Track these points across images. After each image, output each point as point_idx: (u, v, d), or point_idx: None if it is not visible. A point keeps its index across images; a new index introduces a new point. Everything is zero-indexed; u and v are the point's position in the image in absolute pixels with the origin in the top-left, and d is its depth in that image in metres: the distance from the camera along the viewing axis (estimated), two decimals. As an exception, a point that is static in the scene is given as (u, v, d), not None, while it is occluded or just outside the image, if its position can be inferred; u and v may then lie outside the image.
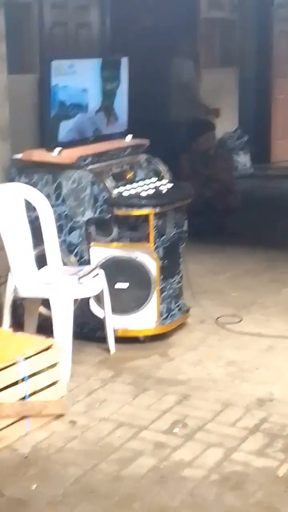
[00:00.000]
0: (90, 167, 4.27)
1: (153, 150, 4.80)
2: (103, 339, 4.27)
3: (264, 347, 4.39)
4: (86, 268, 4.12)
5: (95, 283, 4.07)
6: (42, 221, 3.88)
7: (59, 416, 3.53)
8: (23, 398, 3.39)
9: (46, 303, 4.09)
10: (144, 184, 4.47)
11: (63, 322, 3.86)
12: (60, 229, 4.23)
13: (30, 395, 3.42)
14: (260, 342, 4.46)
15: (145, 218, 4.23)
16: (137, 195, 4.29)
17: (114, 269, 4.27)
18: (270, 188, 8.85)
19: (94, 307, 4.31)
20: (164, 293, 4.42)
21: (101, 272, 4.13)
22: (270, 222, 7.15)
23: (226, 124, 9.00)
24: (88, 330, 4.35)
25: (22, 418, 3.38)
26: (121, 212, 4.19)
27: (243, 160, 9.31)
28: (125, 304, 4.32)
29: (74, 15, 6.61)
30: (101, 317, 4.25)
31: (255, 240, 6.42)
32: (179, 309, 4.57)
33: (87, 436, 3.41)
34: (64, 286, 3.91)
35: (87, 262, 4.26)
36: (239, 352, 4.32)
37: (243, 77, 9.51)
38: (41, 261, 4.13)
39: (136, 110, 4.91)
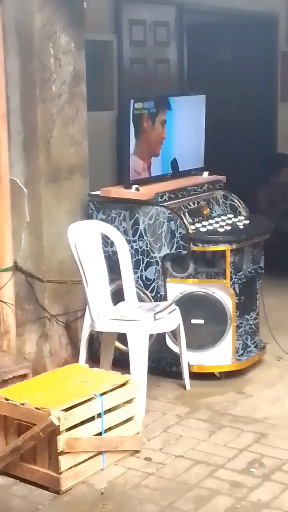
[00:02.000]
0: (167, 203, 4.31)
1: (230, 184, 4.80)
2: (179, 375, 4.26)
3: None
4: (162, 304, 4.14)
5: (171, 319, 4.08)
6: (119, 256, 3.93)
7: (135, 452, 3.53)
8: (99, 433, 3.40)
9: (121, 338, 4.12)
10: (221, 220, 4.47)
11: (139, 357, 3.87)
12: (137, 264, 4.27)
13: (106, 430, 3.43)
14: None
15: (222, 254, 4.22)
16: (214, 231, 4.29)
17: (190, 304, 4.28)
18: None
19: (170, 342, 4.31)
20: (241, 329, 4.39)
21: (177, 308, 4.14)
22: None
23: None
24: (164, 365, 4.35)
25: (99, 453, 3.39)
26: (197, 248, 4.20)
27: None
28: (201, 340, 4.31)
29: (152, 51, 6.72)
30: (177, 352, 4.25)
31: None
32: (255, 346, 4.53)
33: (163, 473, 3.39)
34: (140, 321, 3.93)
35: (163, 298, 4.27)
36: None
37: None
38: (116, 296, 4.17)
39: (214, 145, 4.93)
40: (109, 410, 3.44)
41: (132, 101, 4.25)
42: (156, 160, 4.51)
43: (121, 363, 4.03)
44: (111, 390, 3.47)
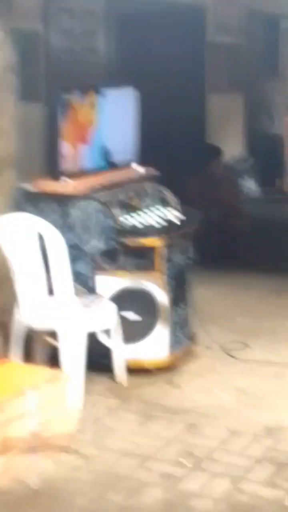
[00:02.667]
0: (97, 195, 4.30)
1: (160, 176, 4.82)
2: (109, 367, 4.27)
3: (272, 374, 4.38)
4: (97, 300, 4.12)
5: (105, 316, 4.07)
6: (50, 250, 3.90)
7: (66, 446, 3.52)
8: (32, 430, 3.39)
9: (54, 333, 4.10)
10: (151, 212, 4.49)
11: (74, 354, 3.86)
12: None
13: (38, 426, 3.42)
14: (268, 369, 4.45)
15: (152, 246, 4.24)
16: (144, 224, 4.31)
17: (122, 297, 4.28)
18: (277, 213, 8.84)
19: (101, 336, 4.31)
20: (171, 321, 4.43)
21: (112, 304, 4.14)
22: (278, 247, 7.14)
23: (233, 148, 9.02)
24: (95, 358, 4.34)
25: (30, 449, 3.38)
26: (128, 240, 4.21)
27: (250, 184, 9.32)
28: (133, 332, 4.31)
29: (80, 40, 6.67)
30: (109, 346, 4.25)
31: (262, 265, 6.41)
32: (185, 337, 4.57)
33: (94, 466, 3.41)
34: (74, 319, 3.91)
35: (93, 291, 4.27)
36: (247, 379, 4.32)
37: (249, 101, 9.54)
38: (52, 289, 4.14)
39: (144, 137, 4.94)
40: (42, 406, 3.43)
41: (60, 90, 4.21)
42: (86, 150, 4.48)
43: (55, 358, 4.00)
44: (43, 386, 3.46)
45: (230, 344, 4.76)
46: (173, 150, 7.54)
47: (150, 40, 8.05)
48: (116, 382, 4.23)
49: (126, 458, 3.47)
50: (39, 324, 3.98)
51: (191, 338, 4.65)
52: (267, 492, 3.20)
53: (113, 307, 4.13)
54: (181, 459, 3.45)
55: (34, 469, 3.36)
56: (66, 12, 6.47)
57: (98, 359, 4.33)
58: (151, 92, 7.00)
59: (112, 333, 4.18)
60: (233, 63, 8.92)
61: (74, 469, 3.38)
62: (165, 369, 4.39)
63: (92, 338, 4.28)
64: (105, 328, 4.15)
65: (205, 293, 5.49)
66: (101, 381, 4.24)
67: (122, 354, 4.24)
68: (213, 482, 3.28)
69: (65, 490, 3.23)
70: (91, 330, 4.07)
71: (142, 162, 4.84)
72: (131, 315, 4.30)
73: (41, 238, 4.04)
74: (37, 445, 3.40)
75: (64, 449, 3.51)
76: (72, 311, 3.94)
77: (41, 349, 4.15)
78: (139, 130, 4.86)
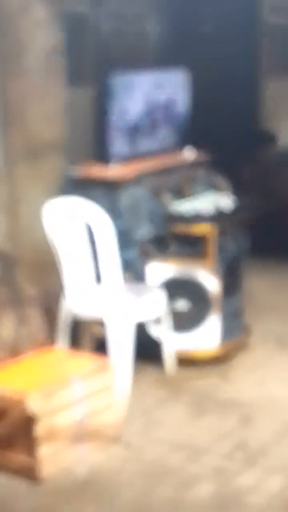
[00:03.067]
0: (146, 181, 4.19)
1: (213, 162, 4.71)
2: (161, 359, 4.17)
3: None
4: (147, 288, 4.02)
5: (155, 305, 3.97)
6: (99, 237, 3.82)
7: (116, 437, 3.44)
8: (79, 419, 3.31)
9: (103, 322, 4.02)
10: (203, 199, 4.37)
11: (121, 343, 3.78)
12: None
13: (86, 416, 3.34)
14: None
15: (205, 234, 4.12)
16: (196, 210, 4.19)
17: (173, 287, 4.18)
18: None
19: (152, 326, 4.22)
20: (225, 312, 4.30)
21: (162, 293, 4.04)
22: None
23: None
24: (145, 349, 4.26)
25: (78, 440, 3.30)
26: (179, 228, 4.10)
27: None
28: (184, 323, 4.21)
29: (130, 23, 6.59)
30: (159, 336, 4.15)
31: None
32: (240, 328, 4.44)
33: (144, 458, 3.32)
34: (123, 308, 3.82)
35: (142, 279, 4.17)
36: (303, 371, 4.18)
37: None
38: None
39: (197, 122, 4.84)
40: (89, 396, 3.35)
41: (109, 73, 4.13)
42: (136, 134, 4.38)
43: (102, 347, 3.92)
44: (90, 375, 3.38)
45: (285, 336, 4.60)
46: (226, 135, 7.37)
47: (202, 22, 7.91)
48: (166, 374, 4.13)
49: (177, 450, 3.38)
50: (86, 312, 3.90)
51: (245, 329, 4.51)
52: None
53: (163, 296, 4.02)
54: (236, 454, 3.33)
55: (81, 459, 3.29)
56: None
57: (147, 350, 4.25)
58: (204, 76, 6.88)
59: (162, 322, 4.07)
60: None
61: (122, 460, 3.31)
62: (218, 361, 4.28)
63: (141, 328, 4.20)
64: (154, 317, 4.04)
65: (260, 283, 5.37)
66: (151, 372, 4.15)
67: (172, 344, 4.14)
68: (267, 477, 3.17)
69: (113, 481, 3.16)
70: (139, 319, 3.97)
71: (194, 146, 4.71)
72: (182, 305, 4.19)
73: (89, 223, 3.96)
74: (85, 435, 3.32)
75: (113, 440, 3.43)
76: (120, 300, 3.85)
77: (88, 338, 4.07)
78: (191, 114, 4.74)
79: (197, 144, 4.71)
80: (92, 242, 3.95)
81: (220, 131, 7.32)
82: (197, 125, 4.89)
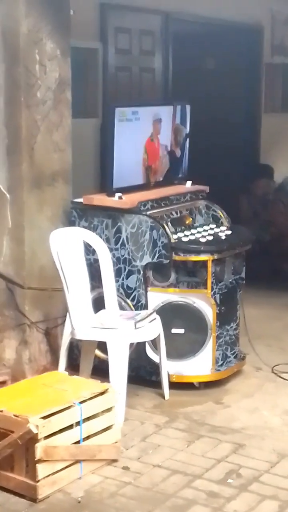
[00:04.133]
0: (149, 212, 4.31)
1: (212, 193, 4.82)
2: (158, 384, 4.26)
3: None
4: (143, 313, 4.14)
5: (151, 328, 4.08)
6: (101, 264, 3.92)
7: (113, 460, 3.52)
8: (78, 441, 3.39)
9: (101, 346, 4.11)
10: (203, 230, 4.49)
11: (119, 365, 3.87)
12: (118, 273, 4.27)
13: (85, 439, 3.42)
14: None
15: (203, 264, 4.23)
16: (196, 241, 4.30)
17: (171, 314, 4.28)
18: None
19: (149, 351, 4.31)
20: (221, 340, 4.40)
21: (158, 317, 4.14)
22: None
23: (286, 169, 8.96)
24: (143, 374, 4.35)
25: (76, 461, 3.38)
26: (179, 257, 4.20)
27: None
28: (181, 349, 4.31)
29: (138, 60, 6.74)
30: (157, 361, 4.25)
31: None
32: (235, 356, 4.54)
33: (140, 482, 3.39)
34: (120, 330, 3.93)
35: (144, 307, 4.27)
36: (296, 401, 4.26)
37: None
38: (97, 304, 4.16)
39: (198, 155, 4.94)
40: (88, 419, 3.43)
41: (116, 108, 4.25)
42: (141, 166, 4.51)
43: (101, 371, 4.02)
44: (90, 398, 3.46)
45: (280, 366, 4.69)
46: (226, 168, 7.53)
47: (206, 59, 8.09)
48: (165, 399, 4.21)
49: (173, 476, 3.44)
50: (87, 336, 3.99)
51: (241, 358, 4.60)
52: (315, 517, 3.13)
53: (159, 320, 4.12)
54: (229, 480, 3.40)
55: (79, 482, 3.36)
56: (124, 32, 6.54)
57: (148, 375, 4.34)
58: (206, 111, 7.05)
59: (159, 348, 4.16)
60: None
61: (120, 484, 3.37)
62: (214, 388, 4.36)
63: (142, 354, 4.29)
64: (150, 339, 4.13)
65: (256, 313, 5.45)
66: (150, 397, 4.24)
67: (169, 369, 4.22)
68: (260, 504, 3.23)
69: (110, 505, 3.22)
70: (136, 341, 4.06)
71: (195, 179, 4.83)
72: (179, 331, 4.28)
73: (94, 250, 4.07)
74: (84, 457, 3.39)
75: (111, 464, 3.50)
76: (117, 323, 3.95)
77: (88, 361, 4.16)
78: (192, 147, 4.86)
79: (197, 176, 4.83)
80: (96, 269, 4.04)
81: (220, 164, 7.48)
82: (198, 158, 5.01)
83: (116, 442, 3.56)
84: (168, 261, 4.20)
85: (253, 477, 3.44)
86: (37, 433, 3.19)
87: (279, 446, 3.72)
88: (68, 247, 4.08)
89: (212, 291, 4.26)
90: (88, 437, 3.45)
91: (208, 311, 4.29)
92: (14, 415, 3.26)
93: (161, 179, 4.70)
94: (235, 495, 3.30)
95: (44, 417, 3.26)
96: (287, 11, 8.55)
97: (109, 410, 3.53)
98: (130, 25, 6.58)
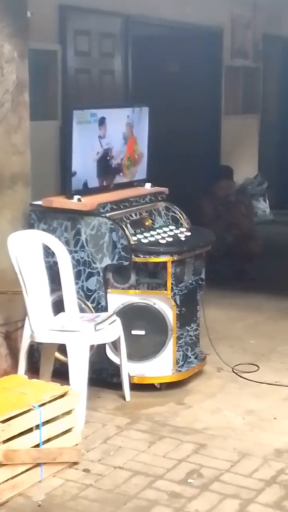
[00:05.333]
0: (109, 214, 4.31)
1: (174, 195, 4.83)
2: (119, 386, 4.25)
3: (283, 396, 4.35)
4: (103, 315, 4.13)
5: (111, 330, 4.08)
6: (60, 267, 3.91)
7: (74, 463, 3.51)
8: (38, 445, 3.37)
9: (62, 348, 4.10)
10: (163, 232, 4.50)
11: (79, 368, 3.86)
12: (78, 275, 4.26)
13: (45, 442, 3.41)
14: (279, 391, 4.42)
15: (163, 265, 4.24)
16: (156, 243, 4.31)
17: (131, 315, 4.28)
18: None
19: (110, 353, 4.31)
20: (181, 340, 4.41)
21: (118, 319, 4.15)
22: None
23: (246, 170, 9.05)
24: (105, 376, 4.35)
25: (37, 465, 3.36)
26: (139, 259, 4.21)
27: (263, 206, 9.34)
28: (141, 350, 4.32)
29: (97, 62, 6.75)
30: (118, 363, 4.25)
31: (275, 287, 6.39)
32: (196, 357, 4.55)
33: (101, 484, 3.38)
34: (80, 332, 3.92)
35: (104, 309, 4.27)
36: (258, 401, 4.29)
37: (264, 123, 9.59)
38: (57, 307, 4.15)
39: (159, 157, 4.95)
40: (48, 422, 3.42)
41: (74, 111, 4.25)
42: (99, 168, 4.50)
43: (62, 374, 4.00)
44: (50, 401, 3.45)
45: (241, 365, 4.73)
46: (187, 171, 7.57)
47: (166, 62, 8.13)
48: (125, 400, 4.21)
49: (135, 477, 3.44)
50: (47, 338, 3.98)
51: (202, 358, 4.62)
52: (276, 515, 3.16)
53: (119, 322, 4.12)
54: (189, 480, 3.41)
55: (40, 485, 3.34)
56: (84, 34, 6.54)
57: (109, 377, 4.34)
58: (167, 114, 7.09)
59: (120, 350, 4.16)
60: (249, 86, 8.99)
61: (81, 487, 3.36)
62: (175, 389, 4.37)
63: (103, 356, 4.28)
64: (110, 341, 4.13)
65: (218, 314, 5.49)
66: (111, 399, 4.23)
67: (130, 371, 4.23)
68: (221, 504, 3.25)
69: (71, 507, 3.21)
70: (96, 343, 4.06)
71: (156, 182, 4.84)
72: (140, 333, 4.29)
73: (53, 253, 4.06)
74: (44, 460, 3.38)
75: (72, 466, 3.49)
76: (77, 326, 3.94)
77: (49, 364, 4.14)
78: (152, 150, 4.87)
79: (158, 178, 4.84)
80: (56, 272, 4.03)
81: (181, 166, 7.52)
82: (158, 160, 5.02)
83: (77, 445, 3.55)
84: (128, 262, 4.20)
85: (214, 477, 3.45)
86: (-4, 437, 3.17)
87: (241, 446, 3.75)
88: (27, 250, 4.06)
89: (172, 292, 4.27)
90: (48, 440, 3.43)
91: (169, 312, 4.30)
92: (-27, 419, 3.24)
93: (120, 181, 4.70)
94: (197, 494, 3.31)
95: (4, 421, 3.24)
96: (247, 15, 8.65)
97: (69, 412, 3.52)
98: (90, 27, 6.59)
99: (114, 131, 4.53)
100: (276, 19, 9.14)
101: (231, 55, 8.56)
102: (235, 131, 8.65)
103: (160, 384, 4.37)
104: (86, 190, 4.39)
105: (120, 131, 4.60)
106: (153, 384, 4.36)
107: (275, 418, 4.07)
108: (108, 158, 4.52)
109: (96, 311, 4.26)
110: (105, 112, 4.48)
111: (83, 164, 4.35)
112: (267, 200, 9.41)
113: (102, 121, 4.39)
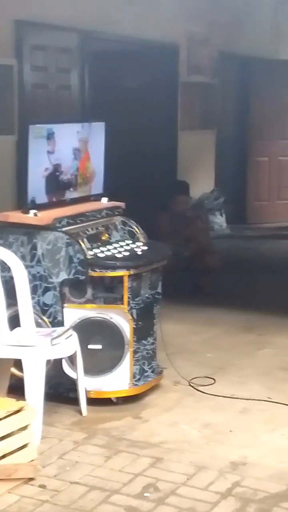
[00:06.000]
0: (65, 228, 4.31)
1: (131, 210, 4.85)
2: (76, 401, 4.24)
3: (239, 409, 4.38)
4: (59, 329, 4.13)
5: (68, 344, 4.07)
6: (15, 281, 3.90)
7: (30, 479, 3.48)
8: (-7, 461, 3.35)
9: (18, 363, 4.08)
10: (120, 246, 4.51)
11: (35, 383, 3.84)
12: (34, 290, 4.24)
13: (0, 458, 3.38)
14: (235, 404, 4.45)
15: (120, 279, 4.25)
16: (112, 257, 4.32)
17: (88, 330, 4.28)
18: (246, 249, 8.94)
19: (67, 368, 4.30)
20: (138, 354, 4.42)
21: (74, 334, 4.14)
22: (247, 283, 7.21)
23: (203, 185, 9.14)
24: (61, 391, 4.33)
25: (-8, 481, 3.34)
26: (95, 273, 4.22)
27: (220, 220, 9.42)
28: (98, 365, 4.32)
29: (54, 77, 6.76)
30: (74, 378, 4.24)
31: (232, 301, 6.45)
32: (152, 371, 4.56)
33: (58, 500, 3.36)
34: (36, 347, 3.90)
35: (61, 323, 4.26)
36: (214, 414, 4.31)
37: (220, 139, 9.70)
38: (14, 322, 4.13)
39: (115, 172, 4.97)
40: (3, 437, 3.40)
41: (30, 126, 4.25)
42: (56, 182, 4.50)
43: (18, 389, 3.97)
44: (5, 417, 3.43)
45: (198, 379, 4.75)
46: (144, 186, 7.62)
47: (123, 78, 8.18)
48: (81, 415, 4.20)
49: (91, 492, 3.43)
50: (2, 353, 3.95)
51: (159, 372, 4.63)
52: (231, 528, 3.18)
53: (75, 336, 4.11)
54: (145, 494, 3.41)
55: (-5, 502, 3.32)
56: (40, 49, 6.56)
57: (66, 392, 4.32)
58: (123, 128, 7.12)
59: (76, 364, 4.16)
60: (206, 102, 9.09)
61: (37, 503, 3.33)
62: (132, 403, 4.38)
63: (60, 371, 4.27)
64: (66, 356, 4.12)
65: (174, 328, 5.51)
66: (67, 414, 4.22)
67: (86, 385, 4.22)
68: (177, 517, 3.26)
69: (27, 524, 3.19)
70: (52, 357, 4.05)
71: (112, 196, 4.86)
72: (97, 347, 4.29)
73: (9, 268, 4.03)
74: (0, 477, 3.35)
75: (28, 482, 3.46)
76: (33, 340, 3.92)
77: (4, 379, 4.11)
78: (109, 165, 4.89)
79: (114, 192, 4.86)
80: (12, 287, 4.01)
81: (138, 182, 7.56)
82: (115, 175, 5.04)
83: (32, 460, 3.53)
84: (84, 277, 4.21)
85: (170, 490, 3.46)
86: None
87: (197, 459, 3.76)
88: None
89: (128, 306, 4.29)
90: (3, 456, 3.41)
91: (125, 326, 4.31)
92: None
93: (77, 195, 4.71)
94: (153, 508, 3.31)
95: None
96: (203, 32, 8.76)
97: (25, 428, 3.50)
98: (46, 42, 6.60)
99: (63, 146, 4.53)
100: (233, 37, 9.27)
101: (188, 72, 8.66)
102: (192, 147, 8.73)
103: (117, 398, 4.37)
104: (42, 205, 4.38)
105: (70, 146, 4.60)
106: (110, 399, 4.36)
107: (231, 431, 4.09)
108: (57, 173, 4.52)
109: (53, 326, 4.25)
110: (57, 127, 4.48)
111: (39, 179, 4.35)
112: (223, 215, 9.51)
113: (50, 136, 4.38)
